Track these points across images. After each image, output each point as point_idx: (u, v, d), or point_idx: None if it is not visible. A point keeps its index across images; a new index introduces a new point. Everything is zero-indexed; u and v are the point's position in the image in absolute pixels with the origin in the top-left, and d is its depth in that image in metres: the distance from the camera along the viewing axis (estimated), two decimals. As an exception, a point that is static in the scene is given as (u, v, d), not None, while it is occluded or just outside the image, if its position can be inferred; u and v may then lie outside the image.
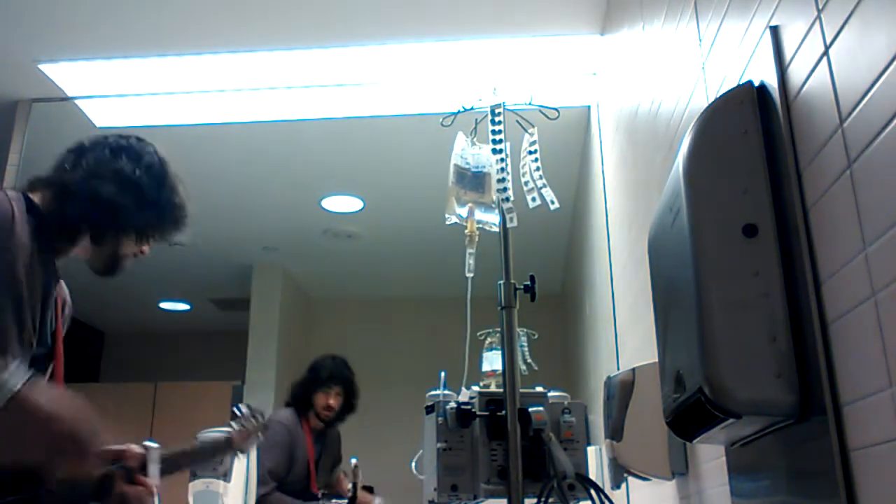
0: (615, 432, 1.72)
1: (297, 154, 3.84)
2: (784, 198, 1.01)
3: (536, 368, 1.99)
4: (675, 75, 1.69)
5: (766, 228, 1.02)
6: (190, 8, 2.75)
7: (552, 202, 1.94)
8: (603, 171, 3.01)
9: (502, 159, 1.87)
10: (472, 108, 1.98)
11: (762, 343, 0.97)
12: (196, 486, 2.51)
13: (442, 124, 1.99)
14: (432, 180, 2.43)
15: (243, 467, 2.64)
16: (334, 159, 3.86)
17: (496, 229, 1.92)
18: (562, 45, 2.97)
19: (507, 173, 1.86)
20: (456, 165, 1.98)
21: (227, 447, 1.98)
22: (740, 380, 0.97)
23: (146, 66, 3.07)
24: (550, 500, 1.68)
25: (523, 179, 1.99)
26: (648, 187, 2.03)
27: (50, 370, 1.47)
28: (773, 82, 1.06)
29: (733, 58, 1.25)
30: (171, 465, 1.55)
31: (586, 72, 3.13)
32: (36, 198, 1.46)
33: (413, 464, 1.90)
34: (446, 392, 1.85)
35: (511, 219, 1.85)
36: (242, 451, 2.06)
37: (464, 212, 1.95)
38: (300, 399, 3.38)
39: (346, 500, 3.10)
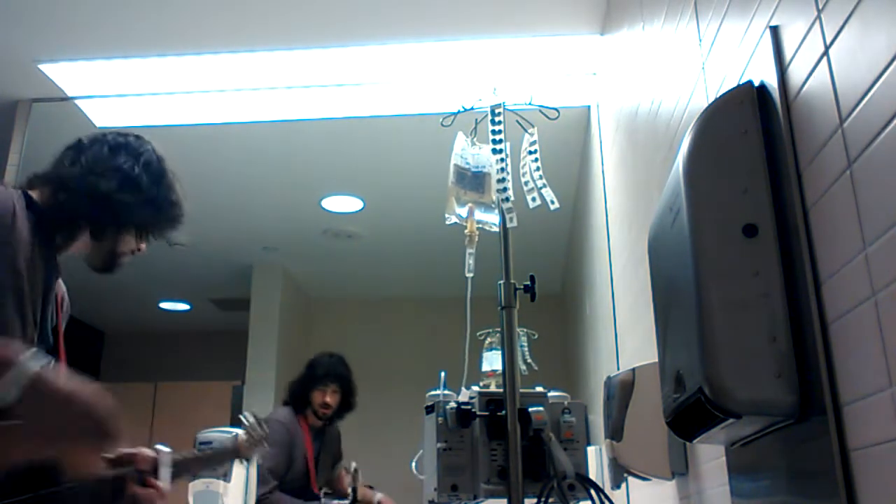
0: (615, 432, 1.72)
1: (297, 154, 3.84)
2: (784, 198, 1.01)
3: (536, 368, 1.99)
4: (675, 75, 1.69)
5: (766, 228, 1.02)
6: (190, 8, 2.75)
7: (552, 202, 1.94)
8: (603, 171, 3.01)
9: (502, 159, 1.87)
10: (472, 108, 1.98)
11: (762, 343, 0.97)
12: (196, 486, 2.51)
13: (442, 124, 1.99)
14: (432, 180, 2.43)
15: (243, 467, 2.64)
16: (334, 159, 3.86)
17: (496, 229, 1.92)
18: (562, 45, 2.97)
19: (507, 173, 1.86)
20: (456, 165, 1.98)
21: (235, 454, 2.01)
22: (740, 380, 0.97)
23: (146, 66, 3.07)
24: (550, 500, 1.68)
25: (523, 179, 1.99)
26: (648, 187, 2.03)
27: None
28: (773, 82, 1.06)
29: (733, 58, 1.25)
30: (181, 470, 1.56)
31: (586, 72, 3.13)
32: (35, 194, 1.46)
33: (413, 464, 1.90)
34: (446, 392, 1.85)
35: (511, 219, 1.85)
36: (248, 459, 2.09)
37: (464, 212, 1.95)
38: (298, 397, 3.38)
39: (346, 501, 3.10)
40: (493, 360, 2.06)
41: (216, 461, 1.99)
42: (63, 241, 1.50)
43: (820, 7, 0.92)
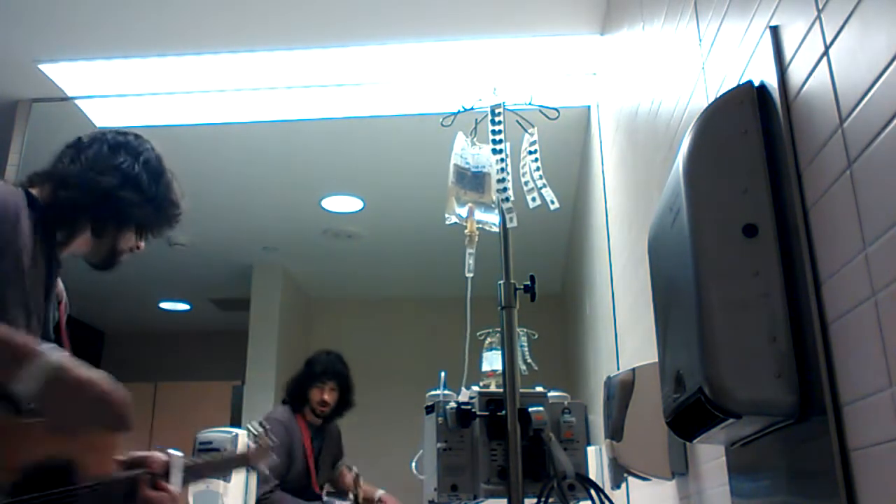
0: (615, 432, 1.72)
1: (297, 154, 3.84)
2: (784, 198, 1.01)
3: (536, 368, 1.99)
4: (675, 75, 1.69)
5: (766, 228, 1.02)
6: (190, 8, 2.75)
7: (552, 202, 1.94)
8: (603, 171, 3.01)
9: (502, 159, 1.87)
10: (472, 108, 1.98)
11: (762, 343, 0.97)
12: (196, 485, 2.51)
13: (442, 124, 1.99)
14: (432, 180, 2.43)
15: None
16: (334, 159, 3.86)
17: (496, 229, 1.92)
18: (562, 45, 2.97)
19: (507, 173, 1.86)
20: (456, 165, 1.98)
21: (244, 462, 2.06)
22: (740, 380, 0.97)
23: (146, 66, 3.07)
24: (550, 500, 1.68)
25: (523, 179, 1.99)
26: (648, 187, 2.03)
27: None
28: (773, 82, 1.06)
29: (733, 58, 1.25)
30: (192, 475, 1.57)
31: (586, 72, 3.13)
32: (35, 192, 1.47)
33: (413, 464, 1.90)
34: (446, 392, 1.85)
35: (511, 219, 1.85)
36: (256, 468, 2.12)
37: (464, 212, 1.95)
38: (296, 395, 3.37)
39: (348, 501, 3.10)
40: (493, 360, 2.06)
41: (226, 468, 2.03)
42: (64, 238, 1.51)
43: (820, 7, 0.92)
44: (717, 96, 1.13)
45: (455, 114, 1.99)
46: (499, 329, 1.82)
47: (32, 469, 1.23)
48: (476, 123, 1.99)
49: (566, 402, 1.88)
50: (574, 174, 3.93)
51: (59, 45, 2.97)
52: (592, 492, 1.73)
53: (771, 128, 1.05)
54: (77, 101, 3.29)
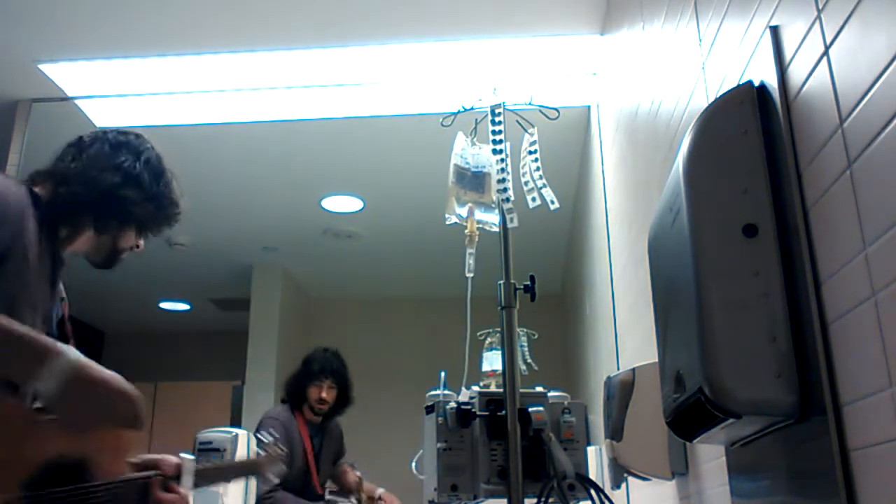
0: (615, 432, 1.72)
1: (297, 154, 3.84)
2: (784, 198, 1.01)
3: (536, 368, 1.99)
4: (675, 75, 1.69)
5: (766, 228, 1.02)
6: (190, 8, 2.75)
7: (552, 202, 1.94)
8: (603, 171, 3.01)
9: (502, 159, 1.87)
10: (472, 108, 1.98)
11: (762, 343, 0.97)
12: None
13: (442, 124, 1.99)
14: (432, 180, 2.43)
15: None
16: (334, 159, 3.86)
17: (496, 229, 1.92)
18: (562, 45, 2.97)
19: (507, 173, 1.86)
20: (456, 165, 1.98)
21: (255, 470, 2.08)
22: (740, 380, 0.97)
23: (146, 66, 3.07)
24: (550, 500, 1.68)
25: (523, 179, 1.99)
26: (648, 187, 2.03)
27: None
28: (773, 82, 1.06)
29: (733, 58, 1.25)
30: (203, 479, 1.58)
31: (586, 72, 3.13)
32: (38, 190, 1.48)
33: (413, 464, 1.90)
34: (446, 392, 1.85)
35: (511, 219, 1.85)
36: (265, 477, 2.14)
37: (464, 212, 1.95)
38: (294, 393, 3.36)
39: (351, 501, 3.10)
40: (493, 360, 2.06)
41: (236, 474, 2.05)
42: (67, 236, 1.52)
43: (820, 7, 0.92)
44: (717, 96, 1.13)
45: (455, 114, 1.98)
46: (499, 329, 1.82)
47: (46, 466, 1.24)
48: (476, 123, 1.99)
49: (566, 402, 1.88)
50: (574, 174, 3.93)
51: (59, 45, 2.97)
52: (592, 492, 1.73)
53: (771, 128, 1.05)
54: (77, 101, 3.29)
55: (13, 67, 3.07)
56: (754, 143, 1.06)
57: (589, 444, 1.93)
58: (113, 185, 1.52)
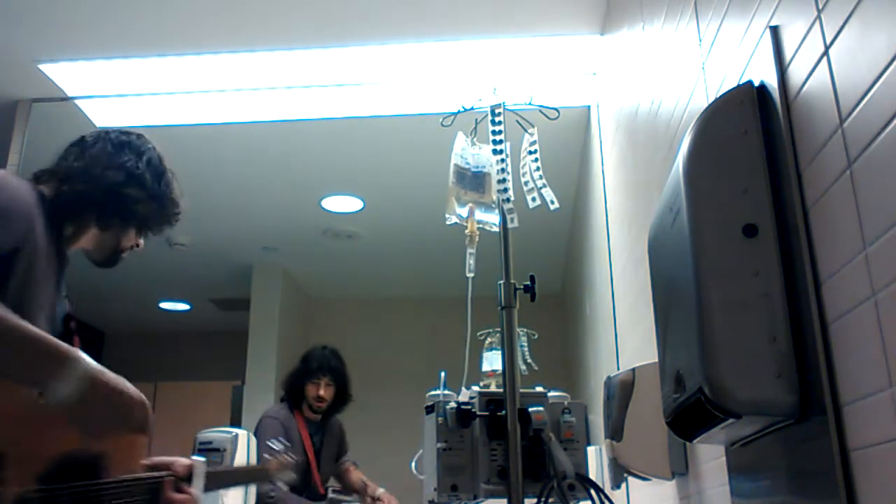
0: (615, 432, 1.72)
1: (297, 154, 3.84)
2: (784, 198, 1.01)
3: (536, 368, 1.99)
4: (675, 75, 1.69)
5: (766, 228, 1.02)
6: (190, 8, 2.75)
7: (552, 202, 1.94)
8: (603, 171, 3.01)
9: (502, 159, 1.87)
10: (472, 108, 1.98)
11: (762, 343, 0.97)
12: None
13: (442, 124, 1.99)
14: (432, 180, 2.43)
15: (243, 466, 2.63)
16: (334, 159, 3.86)
17: (496, 229, 1.92)
18: (562, 45, 2.97)
19: (508, 173, 1.86)
20: (456, 165, 1.98)
21: (265, 476, 2.09)
22: (740, 380, 0.97)
23: (146, 66, 3.07)
24: (550, 500, 1.68)
25: (523, 179, 1.99)
26: (648, 187, 2.03)
27: None
28: (773, 82, 1.06)
29: (733, 58, 1.25)
30: (213, 482, 1.59)
31: (586, 72, 3.13)
32: (43, 189, 1.49)
33: (413, 464, 1.90)
34: (446, 392, 1.85)
35: (511, 219, 1.85)
36: (274, 483, 2.17)
37: (464, 212, 1.95)
38: (292, 391, 3.36)
39: (354, 500, 3.10)
40: (493, 360, 2.06)
41: (247, 479, 2.06)
42: (72, 234, 1.53)
43: (820, 7, 0.92)
44: (717, 96, 1.13)
45: (455, 114, 1.98)
46: (499, 329, 1.82)
47: (61, 460, 1.24)
48: (476, 123, 1.99)
49: (566, 402, 1.88)
50: (574, 174, 3.93)
51: (59, 45, 2.97)
52: (592, 492, 1.73)
53: (771, 128, 1.05)
54: (77, 101, 3.29)
55: (13, 67, 3.07)
56: (754, 143, 1.06)
57: (589, 444, 1.93)
58: (116, 183, 1.53)
